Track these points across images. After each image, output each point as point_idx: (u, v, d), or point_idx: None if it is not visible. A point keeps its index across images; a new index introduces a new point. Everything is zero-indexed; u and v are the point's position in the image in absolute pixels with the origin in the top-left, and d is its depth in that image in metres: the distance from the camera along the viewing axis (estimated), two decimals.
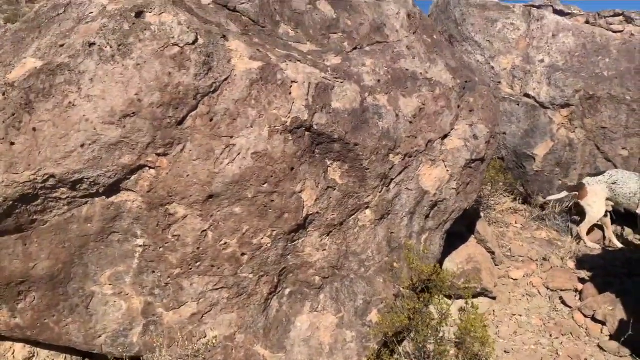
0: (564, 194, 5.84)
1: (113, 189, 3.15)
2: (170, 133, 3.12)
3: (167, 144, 3.13)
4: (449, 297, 4.43)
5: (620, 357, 3.82)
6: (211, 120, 3.20)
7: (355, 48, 4.06)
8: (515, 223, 6.01)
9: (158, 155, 3.14)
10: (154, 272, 3.38)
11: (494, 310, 4.47)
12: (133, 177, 3.17)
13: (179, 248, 3.33)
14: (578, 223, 5.80)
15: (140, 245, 3.34)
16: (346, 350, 3.64)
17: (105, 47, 3.01)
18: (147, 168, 3.17)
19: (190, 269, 3.39)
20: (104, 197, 3.16)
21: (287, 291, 3.69)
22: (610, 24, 6.78)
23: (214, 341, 2.99)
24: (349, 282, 3.78)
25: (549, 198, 6.01)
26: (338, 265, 3.75)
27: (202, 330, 3.42)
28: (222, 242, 3.37)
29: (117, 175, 3.10)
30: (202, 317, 3.47)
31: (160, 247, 3.33)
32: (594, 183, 5.58)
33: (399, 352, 3.66)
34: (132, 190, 3.20)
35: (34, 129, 2.93)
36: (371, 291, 3.80)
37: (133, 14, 3.12)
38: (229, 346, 3.51)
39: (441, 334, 3.76)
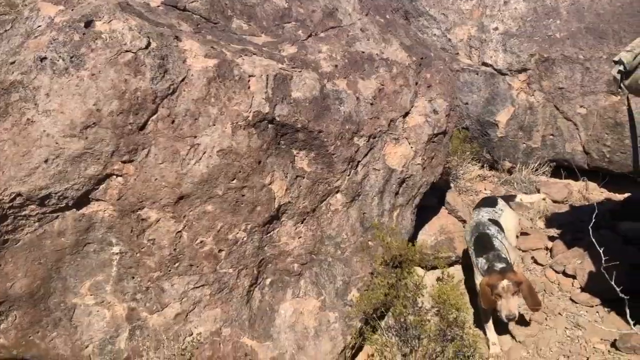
0: None
1: (82, 200, 3.17)
2: (133, 139, 3.14)
3: (131, 150, 3.15)
4: (426, 269, 4.57)
5: (591, 306, 4.00)
6: (173, 122, 3.22)
7: (310, 35, 4.10)
8: (485, 190, 6.17)
9: (124, 162, 3.16)
10: (133, 277, 3.42)
11: None
12: (101, 187, 3.18)
13: (156, 251, 3.37)
14: None
15: (117, 253, 3.37)
16: (331, 331, 3.74)
17: (58, 60, 3.01)
18: (114, 176, 3.19)
19: (170, 270, 3.44)
20: (74, 209, 3.17)
21: (268, 281, 3.76)
22: None
23: (198, 338, 3.05)
24: (327, 265, 3.87)
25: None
26: (315, 250, 3.83)
27: (187, 329, 3.48)
28: (198, 241, 3.42)
29: (84, 187, 3.11)
30: (187, 316, 3.52)
31: (137, 253, 3.37)
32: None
33: (381, 327, 3.77)
34: (101, 200, 3.21)
35: None
36: (349, 272, 3.90)
37: (82, 24, 3.11)
38: (216, 341, 3.58)
39: (420, 305, 3.89)
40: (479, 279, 3.96)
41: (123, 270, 3.39)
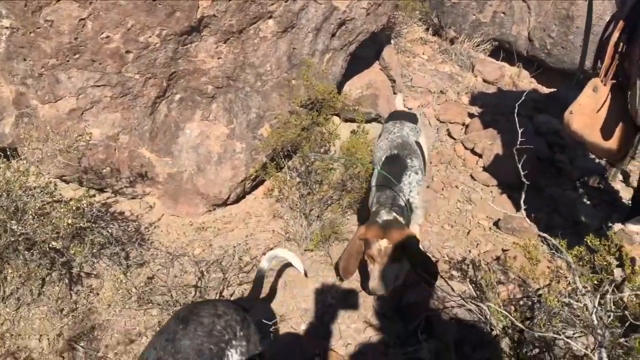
0: None
1: None
2: None
3: None
4: (346, 121, 4.51)
5: (488, 186, 4.19)
6: None
7: None
8: (423, 54, 6.01)
9: None
10: (25, 59, 3.06)
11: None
12: None
13: (54, 36, 2.98)
14: None
15: (7, 27, 2.95)
16: (235, 160, 3.67)
17: None
18: None
19: (68, 60, 3.09)
20: None
21: (177, 97, 3.53)
22: None
23: (87, 137, 2.85)
24: (244, 94, 3.67)
25: None
26: (233, 76, 3.59)
27: (81, 127, 3.25)
28: (104, 35, 3.05)
29: None
30: (82, 114, 3.27)
31: (31, 32, 2.96)
32: None
33: (287, 166, 3.75)
34: None
35: None
36: (265, 106, 3.73)
37: None
38: (112, 146, 3.40)
39: (331, 153, 3.88)
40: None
41: (13, 49, 3.01)
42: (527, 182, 1.95)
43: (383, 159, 3.18)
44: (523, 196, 1.95)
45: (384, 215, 2.73)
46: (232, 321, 1.99)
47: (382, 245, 2.60)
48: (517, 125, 2.02)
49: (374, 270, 2.65)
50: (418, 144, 3.41)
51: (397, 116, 3.69)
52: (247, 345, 2.00)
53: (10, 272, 2.58)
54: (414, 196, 2.99)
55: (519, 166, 1.92)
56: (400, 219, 2.75)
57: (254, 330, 2.10)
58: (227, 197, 3.70)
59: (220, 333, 1.91)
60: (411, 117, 3.69)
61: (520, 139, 1.95)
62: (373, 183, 3.13)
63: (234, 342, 1.94)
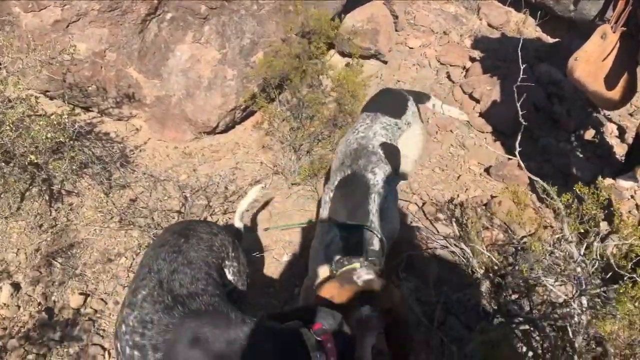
0: None
1: None
2: None
3: None
4: (343, 55, 4.35)
5: (482, 132, 4.12)
6: None
7: None
8: None
9: None
10: None
11: (381, 74, 4.49)
12: None
13: None
14: None
15: None
16: (225, 87, 3.55)
17: None
18: None
19: None
20: None
21: (169, 16, 3.37)
22: None
23: (72, 50, 2.71)
24: (239, 18, 3.51)
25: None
26: None
27: (66, 41, 3.11)
28: None
29: None
30: (68, 26, 3.12)
31: None
32: None
33: (278, 99, 3.63)
34: None
35: None
36: (260, 31, 3.58)
37: None
38: (98, 63, 3.27)
39: (322, 87, 3.76)
40: (316, 248, 2.34)
41: None
42: (524, 123, 1.88)
43: (336, 182, 2.45)
44: (519, 137, 1.89)
45: (363, 274, 1.97)
46: (225, 241, 2.00)
47: (364, 313, 1.84)
48: (520, 62, 1.93)
49: None
50: (388, 147, 2.58)
51: (377, 103, 2.89)
52: (238, 267, 2.01)
53: None
54: (382, 233, 2.28)
55: (518, 105, 1.85)
56: (377, 268, 2.11)
57: (243, 253, 2.10)
58: (216, 125, 3.60)
59: (218, 250, 1.92)
60: (398, 105, 2.86)
61: (522, 76, 1.86)
62: (324, 214, 2.37)
63: (227, 262, 1.96)
